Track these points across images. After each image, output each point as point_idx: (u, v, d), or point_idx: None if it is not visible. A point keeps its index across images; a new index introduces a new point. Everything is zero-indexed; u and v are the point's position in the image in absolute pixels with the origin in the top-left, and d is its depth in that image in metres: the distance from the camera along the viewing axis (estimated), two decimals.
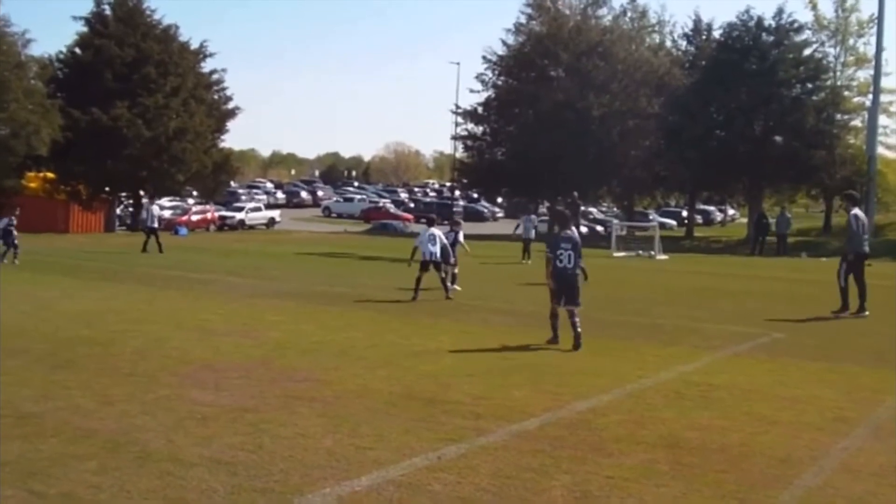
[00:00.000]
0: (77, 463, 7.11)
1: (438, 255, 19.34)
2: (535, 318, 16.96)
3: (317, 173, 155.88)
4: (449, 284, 19.81)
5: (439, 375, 10.96)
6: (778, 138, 59.56)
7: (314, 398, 9.53)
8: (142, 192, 52.05)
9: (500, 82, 65.49)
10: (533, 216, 35.91)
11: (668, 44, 70.52)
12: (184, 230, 50.15)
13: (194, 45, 55.47)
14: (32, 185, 50.05)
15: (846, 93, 63.47)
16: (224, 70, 59.42)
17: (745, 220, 70.29)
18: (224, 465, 7.15)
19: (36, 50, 41.40)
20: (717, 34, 64.29)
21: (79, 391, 9.51)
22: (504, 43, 65.83)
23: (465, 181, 72.03)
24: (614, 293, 22.24)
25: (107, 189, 51.84)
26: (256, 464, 7.23)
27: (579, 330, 13.22)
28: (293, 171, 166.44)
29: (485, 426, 8.65)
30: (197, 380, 10.26)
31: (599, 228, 64.61)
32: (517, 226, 34.95)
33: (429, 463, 7.41)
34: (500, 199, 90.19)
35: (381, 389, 10.06)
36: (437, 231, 19.90)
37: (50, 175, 50.58)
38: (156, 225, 32.33)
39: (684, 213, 76.11)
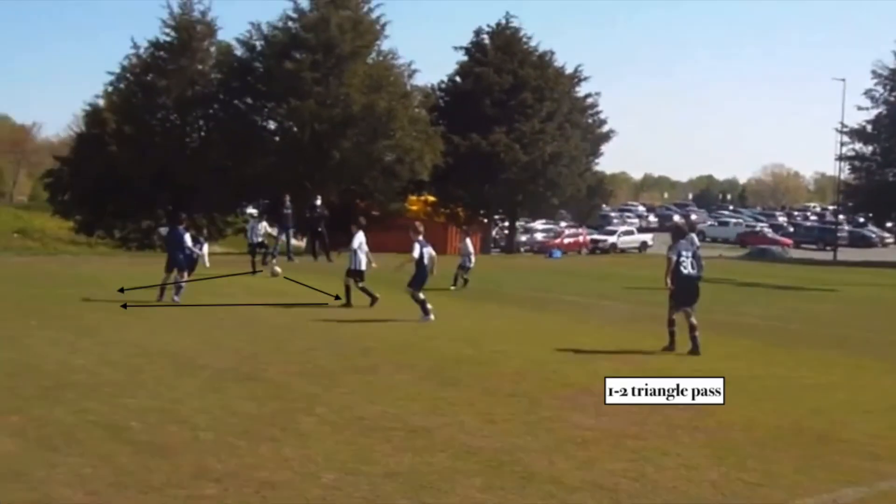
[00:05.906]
0: (463, 478, 7.28)
1: None
2: None
3: (690, 196, 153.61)
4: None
5: (831, 411, 10.28)
6: None
7: (697, 427, 9.22)
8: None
9: (892, 98, 61.31)
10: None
11: None
12: (558, 253, 50.97)
13: (569, 70, 56.45)
14: (414, 207, 52.79)
15: None
16: (598, 93, 59.87)
17: None
18: (606, 491, 7.05)
19: (419, 80, 43.99)
20: None
21: (463, 408, 9.78)
22: None
23: (850, 204, 68.09)
24: None
25: (482, 212, 53.84)
26: (639, 492, 7.08)
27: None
28: (665, 195, 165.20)
29: (885, 469, 8.00)
30: (576, 403, 10.25)
31: None
32: None
33: None
34: (889, 224, 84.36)
35: (768, 423, 9.57)
36: None
37: (430, 198, 53.27)
38: (259, 240, 29.16)
39: None
